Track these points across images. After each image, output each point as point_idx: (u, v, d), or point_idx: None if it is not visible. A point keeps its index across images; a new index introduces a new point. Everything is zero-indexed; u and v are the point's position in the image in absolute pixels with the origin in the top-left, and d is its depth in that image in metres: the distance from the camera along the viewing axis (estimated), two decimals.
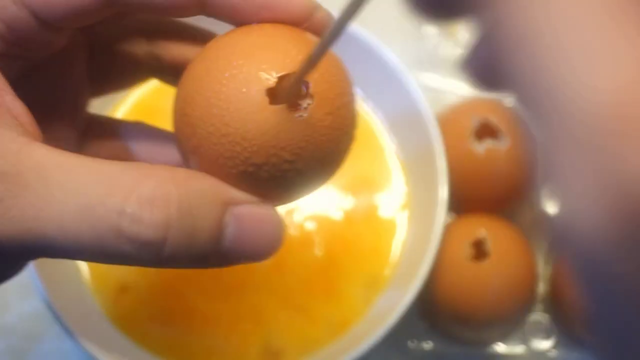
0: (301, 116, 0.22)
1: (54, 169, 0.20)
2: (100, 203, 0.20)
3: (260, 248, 0.22)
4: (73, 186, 0.20)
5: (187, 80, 0.24)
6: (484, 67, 0.19)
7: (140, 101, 0.44)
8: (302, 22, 0.24)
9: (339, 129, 0.24)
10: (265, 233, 0.22)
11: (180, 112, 0.24)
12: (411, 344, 0.43)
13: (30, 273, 0.38)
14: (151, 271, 0.41)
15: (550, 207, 0.42)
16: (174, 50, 0.27)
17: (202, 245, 0.21)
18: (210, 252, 0.21)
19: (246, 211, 0.22)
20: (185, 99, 0.23)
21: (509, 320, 0.42)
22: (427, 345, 0.43)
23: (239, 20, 0.24)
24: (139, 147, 0.28)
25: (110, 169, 0.20)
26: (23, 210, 0.20)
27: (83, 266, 0.41)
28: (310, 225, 0.42)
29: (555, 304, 0.43)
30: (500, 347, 0.44)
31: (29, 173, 0.20)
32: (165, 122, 0.44)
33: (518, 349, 0.44)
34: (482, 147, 0.41)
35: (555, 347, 0.43)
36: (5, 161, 0.20)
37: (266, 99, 0.22)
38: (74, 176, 0.20)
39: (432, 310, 0.41)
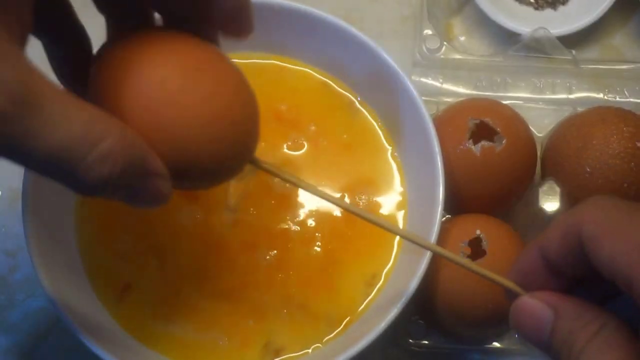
0: None
1: (51, 99, 0.24)
2: (73, 144, 0.24)
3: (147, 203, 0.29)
4: (61, 120, 0.24)
5: None
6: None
7: None
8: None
9: None
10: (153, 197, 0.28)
11: None
12: (410, 341, 0.44)
13: (34, 272, 0.38)
14: (154, 270, 0.41)
15: (545, 207, 0.42)
16: None
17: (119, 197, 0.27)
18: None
19: (153, 183, 0.28)
20: None
21: (505, 317, 0.42)
22: (425, 342, 0.44)
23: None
24: None
25: (84, 115, 0.25)
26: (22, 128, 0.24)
27: (87, 265, 0.42)
28: (311, 224, 0.42)
29: None
30: (497, 345, 0.44)
31: (35, 99, 0.24)
32: None
33: (514, 346, 0.44)
34: (478, 148, 0.42)
35: None
36: (21, 85, 0.24)
37: None
38: (64, 113, 0.24)
39: (429, 308, 0.42)
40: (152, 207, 0.29)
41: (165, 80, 0.28)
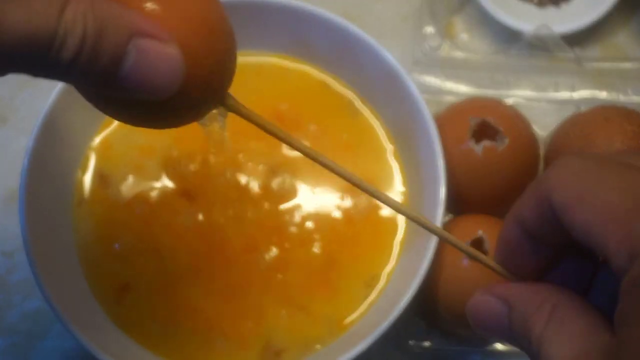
0: None
1: None
2: (36, 22, 0.21)
3: (156, 83, 0.24)
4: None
5: None
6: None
7: None
8: None
9: None
10: (163, 70, 0.24)
11: None
12: (411, 343, 0.44)
13: (31, 273, 0.38)
14: (152, 270, 0.41)
15: None
16: None
17: (103, 66, 0.23)
18: (109, 75, 0.23)
19: (149, 45, 0.23)
20: None
21: None
22: (427, 343, 0.44)
23: None
24: None
25: None
26: None
27: (85, 266, 0.41)
28: (310, 225, 0.42)
29: None
30: (498, 346, 0.44)
31: None
32: None
33: (515, 347, 0.44)
34: (480, 147, 0.41)
35: None
36: None
37: None
38: None
39: (431, 309, 0.41)
40: (168, 86, 0.24)
41: None
